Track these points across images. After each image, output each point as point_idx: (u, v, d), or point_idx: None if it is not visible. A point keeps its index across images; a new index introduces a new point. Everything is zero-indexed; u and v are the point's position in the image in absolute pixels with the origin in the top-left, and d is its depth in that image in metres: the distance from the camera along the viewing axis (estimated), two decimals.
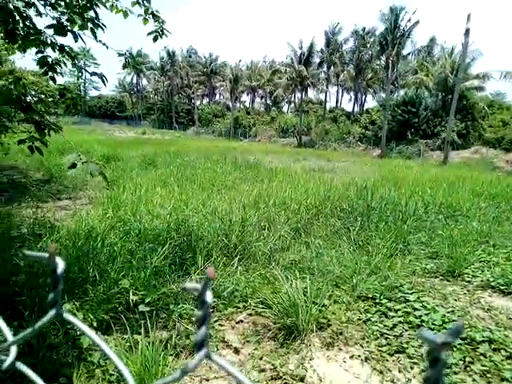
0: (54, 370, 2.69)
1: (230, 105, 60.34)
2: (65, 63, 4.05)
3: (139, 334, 3.13)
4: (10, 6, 3.53)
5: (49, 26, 3.55)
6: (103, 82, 4.13)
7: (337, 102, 59.19)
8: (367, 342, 3.45)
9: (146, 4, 4.10)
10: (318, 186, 9.75)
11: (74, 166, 3.25)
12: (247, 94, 67.30)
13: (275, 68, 56.89)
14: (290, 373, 3.00)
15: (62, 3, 3.71)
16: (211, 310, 3.81)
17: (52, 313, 0.39)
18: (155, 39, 4.24)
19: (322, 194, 8.35)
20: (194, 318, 3.63)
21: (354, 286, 4.32)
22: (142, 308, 3.54)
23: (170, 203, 6.81)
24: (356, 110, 52.98)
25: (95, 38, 3.74)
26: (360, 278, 4.46)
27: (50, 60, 3.82)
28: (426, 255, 5.72)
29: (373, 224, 6.68)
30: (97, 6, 3.78)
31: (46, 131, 3.60)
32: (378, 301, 4.10)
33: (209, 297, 0.36)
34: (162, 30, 4.22)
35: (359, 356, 3.25)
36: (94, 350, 2.91)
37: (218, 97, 72.77)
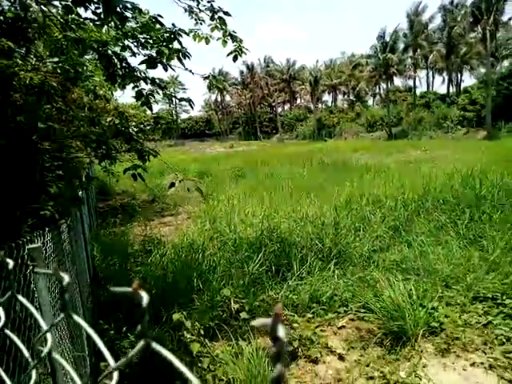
0: (170, 373, 2.93)
1: (312, 106, 59.76)
2: (158, 92, 4.47)
3: (243, 340, 3.25)
4: (109, 51, 4.04)
5: (141, 62, 3.98)
6: (191, 106, 4.47)
7: (428, 85, 54.42)
8: (490, 347, 3.07)
9: (224, 27, 4.33)
10: (415, 179, 9.07)
11: (172, 185, 3.63)
12: (328, 93, 65.99)
13: (356, 62, 54.86)
14: (402, 381, 2.81)
15: (151, 41, 4.13)
16: (311, 316, 3.77)
17: (141, 343, 0.40)
18: (235, 58, 4.45)
19: (421, 188, 7.74)
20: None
21: (469, 286, 3.88)
22: (243, 315, 3.68)
23: (261, 211, 6.98)
24: (451, 91, 48.03)
25: (183, 65, 4.08)
26: (475, 276, 4.00)
27: (144, 92, 4.26)
28: None
29: (485, 215, 5.95)
30: (180, 35, 4.12)
31: (146, 157, 4.02)
32: (499, 301, 3.63)
33: (281, 332, 0.32)
34: (240, 49, 4.42)
35: (482, 363, 2.90)
36: (204, 357, 3.10)
37: (298, 101, 72.72)
